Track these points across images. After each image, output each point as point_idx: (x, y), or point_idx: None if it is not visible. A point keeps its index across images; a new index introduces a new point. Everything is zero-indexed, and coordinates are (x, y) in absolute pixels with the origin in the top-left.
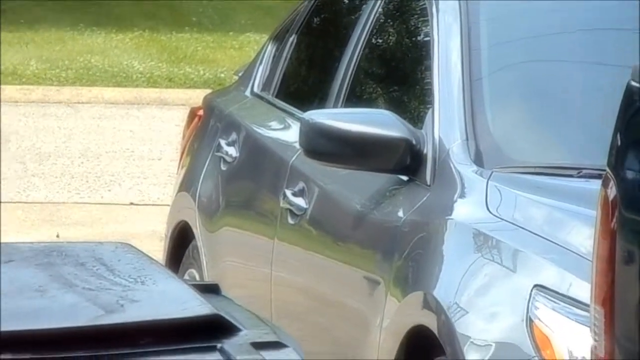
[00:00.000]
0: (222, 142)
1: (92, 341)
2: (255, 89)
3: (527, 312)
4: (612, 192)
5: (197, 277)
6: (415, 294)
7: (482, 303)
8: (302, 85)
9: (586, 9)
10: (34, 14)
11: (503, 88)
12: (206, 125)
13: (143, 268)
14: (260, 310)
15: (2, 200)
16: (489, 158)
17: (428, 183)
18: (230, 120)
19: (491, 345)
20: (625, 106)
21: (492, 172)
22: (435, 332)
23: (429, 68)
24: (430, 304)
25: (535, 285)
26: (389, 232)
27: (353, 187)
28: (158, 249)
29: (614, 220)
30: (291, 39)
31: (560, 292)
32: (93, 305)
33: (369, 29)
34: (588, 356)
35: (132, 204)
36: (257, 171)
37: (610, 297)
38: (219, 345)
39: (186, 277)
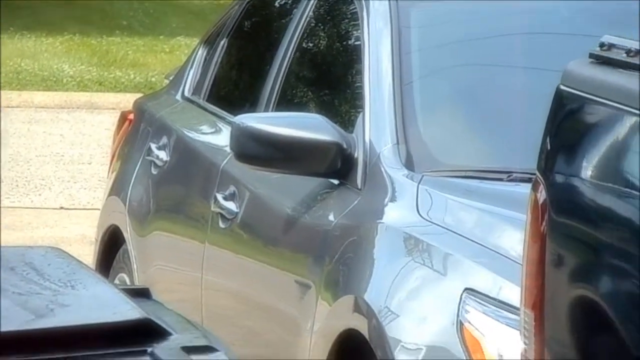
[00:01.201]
0: (153, 146)
1: (22, 346)
2: (186, 93)
3: (458, 315)
4: (541, 195)
5: (128, 282)
6: (346, 297)
7: (412, 306)
8: (233, 89)
9: (517, 13)
10: None
11: (434, 92)
12: (137, 129)
13: (73, 272)
14: (191, 314)
15: None
16: (420, 162)
17: (359, 187)
18: (161, 124)
19: (422, 348)
20: (554, 110)
21: (422, 176)
22: (366, 335)
23: (359, 72)
24: (361, 308)
25: (466, 289)
26: (320, 236)
27: (284, 191)
28: (88, 253)
29: (544, 223)
30: (222, 42)
31: (491, 295)
32: (23, 310)
33: (300, 32)
34: (518, 359)
35: (62, 208)
36: (188, 175)
37: (540, 300)
38: (149, 350)
39: (116, 281)
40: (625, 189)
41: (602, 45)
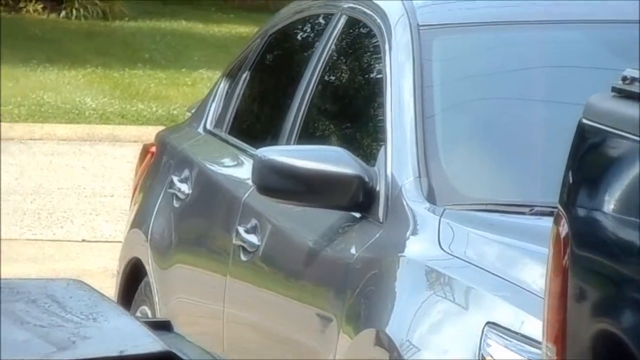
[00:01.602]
0: (175, 179)
1: None
2: (208, 126)
3: (480, 349)
4: (564, 229)
5: (149, 314)
6: (368, 331)
7: (434, 340)
8: (255, 122)
9: (540, 44)
10: None
11: (456, 125)
12: (159, 162)
13: (95, 305)
14: (213, 347)
15: None
16: (442, 195)
17: (380, 220)
18: (182, 157)
19: None
20: (576, 144)
21: (444, 210)
22: None
23: (381, 105)
24: (383, 341)
25: (488, 323)
26: (342, 269)
27: (306, 224)
28: (110, 286)
29: (566, 257)
30: (244, 75)
31: (513, 329)
32: (45, 342)
33: (322, 65)
34: None
35: (84, 240)
36: (210, 208)
37: (562, 334)
38: None
39: (138, 314)
40: None
41: (624, 78)
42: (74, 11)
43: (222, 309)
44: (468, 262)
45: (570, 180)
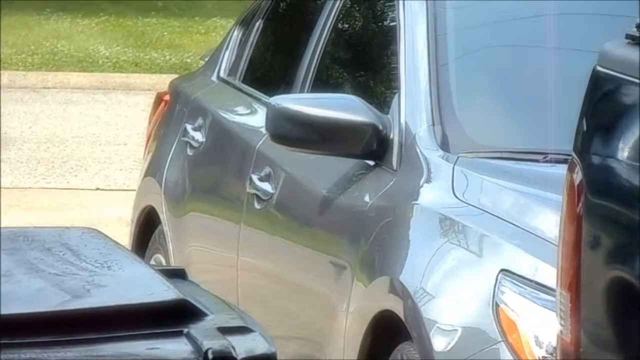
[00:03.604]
0: (189, 127)
1: (58, 326)
2: (222, 74)
3: (494, 296)
4: (578, 177)
5: (164, 262)
6: (382, 278)
7: (448, 288)
8: (269, 70)
9: None
10: None
11: (469, 73)
12: (172, 111)
13: (109, 253)
14: (227, 295)
15: None
16: (455, 143)
17: (394, 168)
18: (196, 105)
19: (457, 330)
20: (591, 91)
21: (458, 157)
22: (402, 317)
23: (395, 53)
24: (397, 289)
25: (502, 270)
26: (355, 217)
27: (319, 172)
28: (124, 234)
29: (580, 205)
30: (257, 24)
31: (527, 276)
32: (59, 290)
33: (335, 14)
34: (554, 341)
35: (98, 189)
36: (224, 156)
37: (576, 282)
38: (185, 330)
39: (152, 262)
40: None
41: (638, 25)
42: None
43: (236, 257)
44: (482, 209)
45: (584, 128)
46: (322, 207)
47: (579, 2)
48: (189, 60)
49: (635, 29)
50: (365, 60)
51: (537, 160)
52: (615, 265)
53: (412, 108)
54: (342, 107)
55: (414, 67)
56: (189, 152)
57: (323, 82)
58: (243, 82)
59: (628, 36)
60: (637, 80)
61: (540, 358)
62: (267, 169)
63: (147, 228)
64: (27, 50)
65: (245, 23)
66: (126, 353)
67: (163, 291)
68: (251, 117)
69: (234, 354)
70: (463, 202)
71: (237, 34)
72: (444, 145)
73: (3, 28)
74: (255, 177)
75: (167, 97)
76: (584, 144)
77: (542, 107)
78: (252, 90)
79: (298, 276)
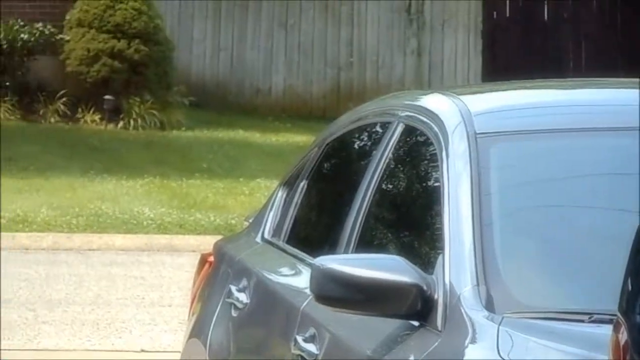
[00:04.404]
0: (233, 289)
1: None
2: (266, 235)
3: None
4: (623, 337)
5: None
6: None
7: None
8: (313, 230)
9: (597, 152)
10: (43, 161)
11: (514, 233)
12: (217, 272)
13: None
14: None
15: (13, 348)
16: (500, 303)
17: (439, 328)
18: (241, 266)
19: None
20: (635, 250)
21: (503, 318)
22: None
23: (439, 213)
24: None
25: None
26: None
27: (364, 332)
28: None
29: None
30: (301, 184)
31: None
32: None
33: (379, 174)
34: None
35: (142, 350)
36: (268, 317)
37: None
38: None
39: None
40: None
41: None
42: (132, 121)
43: None
44: None
45: (629, 287)
46: None
47: (624, 161)
48: (233, 221)
49: None
50: (410, 221)
51: (582, 321)
52: None
53: (456, 268)
54: (386, 268)
55: (458, 227)
56: (234, 313)
57: (367, 243)
58: (287, 242)
59: None
60: None
61: None
62: (312, 330)
63: None
64: (71, 212)
65: (289, 184)
66: None
67: None
68: (296, 277)
69: None
70: None
71: (281, 195)
72: (489, 306)
73: (47, 190)
74: (300, 338)
75: (211, 259)
76: (628, 304)
77: (587, 267)
78: (296, 251)
79: None
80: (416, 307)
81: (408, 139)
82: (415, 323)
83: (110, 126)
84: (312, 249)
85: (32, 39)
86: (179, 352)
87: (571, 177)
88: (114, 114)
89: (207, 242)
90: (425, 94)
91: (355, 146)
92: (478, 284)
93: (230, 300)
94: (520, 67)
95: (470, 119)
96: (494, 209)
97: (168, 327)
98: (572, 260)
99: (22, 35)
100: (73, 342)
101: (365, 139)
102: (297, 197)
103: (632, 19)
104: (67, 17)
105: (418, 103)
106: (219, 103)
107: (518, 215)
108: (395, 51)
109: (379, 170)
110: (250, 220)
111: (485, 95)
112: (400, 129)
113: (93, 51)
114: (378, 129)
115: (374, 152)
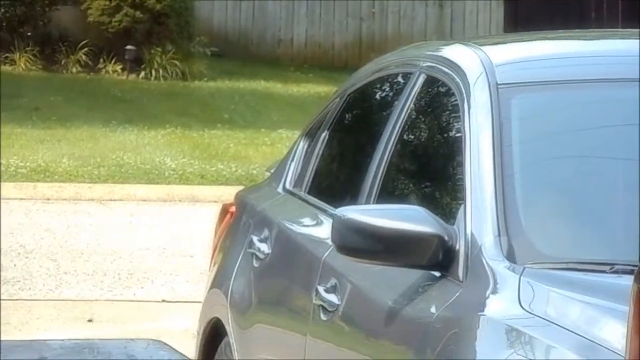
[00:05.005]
0: (255, 239)
1: None
2: (287, 186)
3: None
4: None
5: None
6: None
7: None
8: (334, 181)
9: (619, 103)
10: (66, 111)
11: (535, 183)
12: (238, 222)
13: None
14: None
15: (34, 298)
16: (521, 254)
17: (460, 279)
18: (262, 216)
19: None
20: None
21: (524, 268)
22: None
23: (460, 164)
24: None
25: None
26: (421, 329)
27: (385, 283)
28: (191, 346)
29: None
30: (323, 135)
31: None
32: None
33: (401, 124)
34: None
35: (164, 301)
36: (290, 268)
37: None
38: None
39: None
40: None
41: None
42: (153, 72)
43: None
44: (549, 320)
45: None
46: (388, 318)
47: None
48: (254, 171)
49: None
50: (431, 171)
51: (603, 271)
52: None
53: (478, 219)
54: (408, 218)
55: (479, 178)
56: (255, 263)
57: (389, 193)
58: (309, 193)
59: None
60: None
61: None
62: (333, 280)
63: (213, 340)
64: (93, 163)
65: (311, 134)
66: None
67: None
68: (317, 228)
69: None
70: (529, 313)
71: (302, 145)
72: (510, 256)
73: (69, 140)
74: (321, 289)
75: (233, 209)
76: None
77: (608, 217)
78: (317, 202)
79: None
80: (437, 258)
81: (429, 90)
82: (437, 274)
83: (132, 77)
84: (334, 200)
85: None
86: (200, 302)
87: (593, 127)
88: (136, 64)
89: (229, 193)
90: (447, 45)
91: (377, 97)
92: (499, 235)
93: (251, 251)
94: (542, 18)
95: (492, 70)
96: (516, 160)
97: (189, 277)
98: (593, 211)
99: None
100: (94, 292)
101: (387, 89)
102: (319, 148)
103: None
104: None
105: (440, 54)
106: (241, 53)
107: (539, 166)
108: (417, 2)
109: (400, 121)
110: (272, 171)
111: (507, 46)
112: (421, 79)
113: (115, 1)
114: (400, 79)
115: (396, 102)
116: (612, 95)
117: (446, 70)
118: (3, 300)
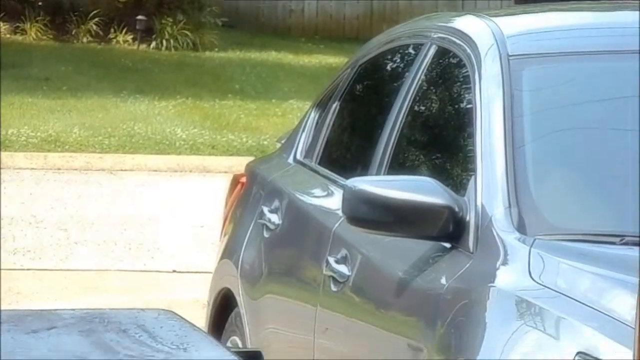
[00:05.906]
0: (265, 210)
1: None
2: (298, 156)
3: None
4: None
5: (240, 345)
6: None
7: None
8: (345, 152)
9: (631, 75)
10: (76, 81)
11: (546, 155)
12: (249, 193)
13: (186, 335)
14: None
15: (44, 268)
16: (532, 225)
17: (471, 250)
18: (273, 187)
19: None
20: None
21: (534, 240)
22: None
23: (471, 135)
24: None
25: (579, 353)
26: (432, 300)
27: (395, 254)
28: (201, 317)
29: None
30: (334, 106)
31: (604, 359)
32: None
33: (412, 95)
34: None
35: (174, 271)
36: (300, 238)
37: None
38: None
39: (229, 344)
40: None
41: None
42: (164, 42)
43: (313, 340)
44: (559, 292)
45: None
46: (398, 289)
47: None
48: (265, 142)
49: None
50: (442, 142)
51: (613, 243)
52: None
53: (488, 190)
54: (418, 189)
55: (490, 149)
56: (266, 234)
57: (399, 164)
58: (319, 164)
59: None
60: None
61: None
62: (344, 251)
63: (223, 310)
64: (103, 133)
65: (322, 105)
66: None
67: None
68: (328, 199)
69: None
70: (540, 284)
71: (313, 116)
72: (521, 228)
73: (80, 110)
74: (331, 260)
75: (243, 180)
76: None
77: (619, 189)
78: (328, 173)
79: (375, 358)
80: (448, 229)
81: (441, 61)
82: (447, 245)
83: (143, 47)
84: (344, 171)
85: None
86: (211, 272)
87: (603, 99)
88: (147, 34)
89: (239, 163)
90: (458, 16)
91: (388, 68)
92: (510, 206)
93: (262, 221)
94: None
95: (503, 41)
96: (526, 132)
97: (200, 247)
98: (603, 183)
99: None
100: (105, 262)
101: (398, 60)
102: (330, 119)
103: None
104: None
105: (451, 25)
106: (252, 24)
107: (550, 138)
108: None
109: (411, 92)
110: (283, 142)
111: (518, 18)
112: (432, 50)
113: None
114: (411, 50)
115: (407, 73)
116: (623, 67)
117: (457, 41)
118: (15, 269)
